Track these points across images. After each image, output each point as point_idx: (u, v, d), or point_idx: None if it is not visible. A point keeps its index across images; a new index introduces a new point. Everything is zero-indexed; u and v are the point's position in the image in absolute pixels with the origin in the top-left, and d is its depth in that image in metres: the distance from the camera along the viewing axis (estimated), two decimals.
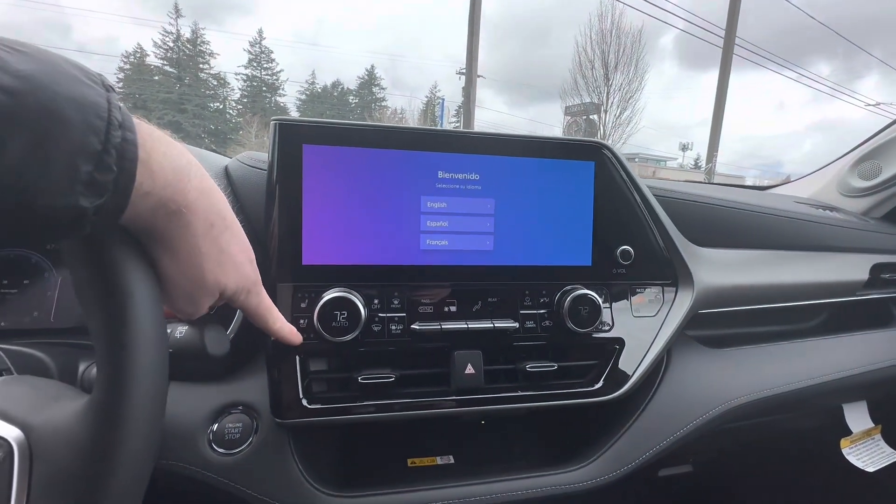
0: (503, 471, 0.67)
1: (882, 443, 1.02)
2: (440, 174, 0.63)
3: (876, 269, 0.95)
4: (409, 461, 0.71)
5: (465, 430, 0.78)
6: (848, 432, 0.99)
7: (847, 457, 0.97)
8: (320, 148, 0.58)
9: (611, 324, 0.69)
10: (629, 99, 19.41)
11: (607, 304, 0.69)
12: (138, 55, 36.87)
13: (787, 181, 1.49)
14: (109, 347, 0.32)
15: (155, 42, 36.33)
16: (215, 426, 0.57)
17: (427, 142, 0.62)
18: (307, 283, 0.58)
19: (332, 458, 0.68)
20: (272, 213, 0.57)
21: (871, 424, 1.01)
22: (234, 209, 0.63)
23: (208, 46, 37.99)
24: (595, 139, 0.70)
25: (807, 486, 1.22)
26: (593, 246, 0.68)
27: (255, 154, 0.68)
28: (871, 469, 0.96)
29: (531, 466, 0.69)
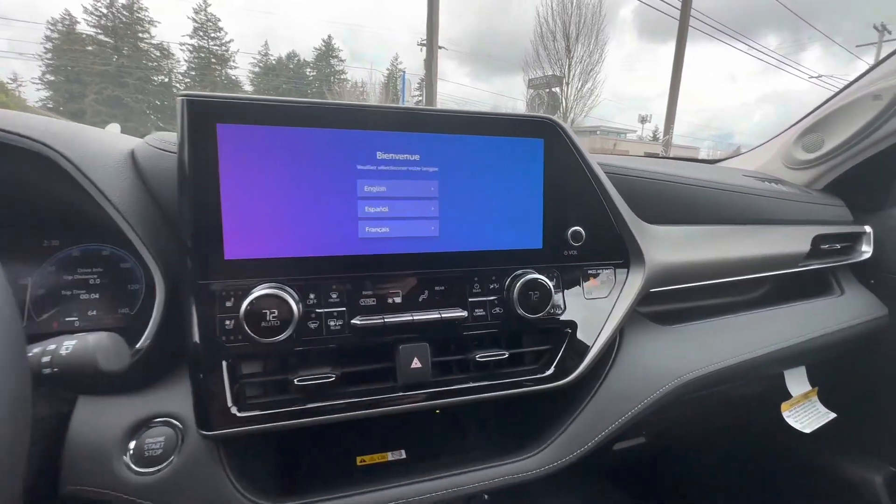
0: (457, 463, 0.65)
1: (818, 404, 1.08)
2: (378, 154, 0.57)
3: (817, 241, 0.98)
4: (359, 459, 0.68)
5: (417, 423, 0.75)
6: (788, 396, 1.04)
7: (786, 419, 1.02)
8: (237, 127, 0.52)
9: (562, 308, 0.67)
10: (590, 71, 19.54)
11: (559, 288, 0.67)
12: (67, 23, 33.58)
13: (737, 153, 1.52)
14: None
15: (85, 8, 33.14)
16: (133, 443, 0.52)
17: (362, 119, 0.56)
18: (232, 279, 0.52)
19: (272, 465, 0.64)
20: (186, 203, 0.50)
21: (809, 387, 1.06)
22: (144, 198, 0.57)
23: (147, 13, 35.06)
24: (543, 115, 0.66)
25: (751, 449, 1.30)
26: (544, 228, 0.65)
27: (166, 135, 0.60)
28: (807, 430, 1.02)
29: (485, 457, 0.67)
